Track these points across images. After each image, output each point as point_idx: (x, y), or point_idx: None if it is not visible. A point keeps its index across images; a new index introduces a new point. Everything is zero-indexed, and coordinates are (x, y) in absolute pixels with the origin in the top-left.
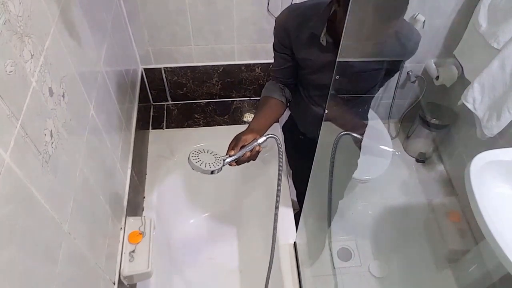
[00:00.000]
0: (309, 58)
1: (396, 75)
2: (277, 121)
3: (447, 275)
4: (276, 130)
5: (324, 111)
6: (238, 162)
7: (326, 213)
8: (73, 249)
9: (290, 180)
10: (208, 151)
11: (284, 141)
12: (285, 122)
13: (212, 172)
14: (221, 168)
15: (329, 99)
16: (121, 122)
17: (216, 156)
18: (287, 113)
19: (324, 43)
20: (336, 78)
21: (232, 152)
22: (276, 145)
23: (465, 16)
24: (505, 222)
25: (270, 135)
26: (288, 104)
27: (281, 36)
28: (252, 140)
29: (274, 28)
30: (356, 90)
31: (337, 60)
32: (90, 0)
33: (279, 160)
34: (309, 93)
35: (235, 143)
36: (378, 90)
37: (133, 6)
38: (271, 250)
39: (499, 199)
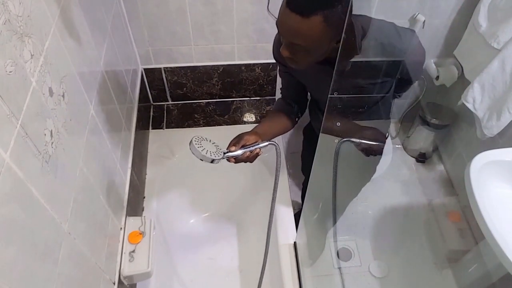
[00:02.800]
0: (304, 77)
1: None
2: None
3: (447, 275)
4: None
5: (336, 123)
6: (236, 160)
7: (327, 213)
8: (73, 249)
9: (290, 180)
10: (210, 140)
11: (303, 143)
12: (306, 125)
13: (212, 161)
14: (221, 159)
15: (340, 117)
16: (121, 122)
17: (217, 147)
18: (308, 117)
19: None
20: (335, 94)
21: (233, 148)
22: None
23: (465, 16)
24: (505, 222)
25: (272, 142)
26: (297, 120)
27: (277, 55)
28: (254, 142)
29: (272, 50)
30: (362, 104)
31: (335, 71)
32: (90, 0)
33: (276, 169)
34: (319, 107)
35: (237, 140)
36: (399, 96)
37: (133, 6)
38: (265, 251)
39: (499, 199)
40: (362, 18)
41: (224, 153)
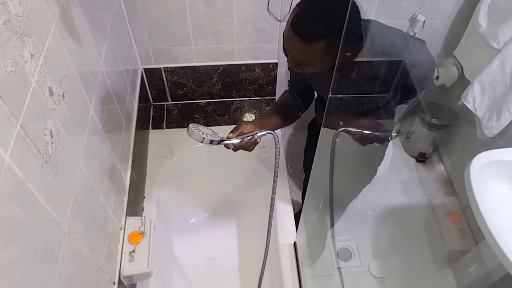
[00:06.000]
0: (311, 76)
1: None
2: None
3: (447, 275)
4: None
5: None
6: (235, 147)
7: (327, 213)
8: (73, 249)
9: (291, 180)
10: (207, 127)
11: (307, 139)
12: (311, 121)
13: (211, 142)
14: (218, 142)
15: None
16: (121, 122)
17: (215, 133)
18: (314, 112)
19: None
20: (339, 97)
21: (230, 135)
22: (274, 143)
23: (465, 16)
24: (505, 222)
25: (270, 131)
26: (300, 115)
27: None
28: (252, 131)
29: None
30: (366, 106)
31: (335, 75)
32: (90, 0)
33: (275, 159)
34: (325, 105)
35: (236, 128)
36: (406, 102)
37: (133, 6)
38: (265, 250)
39: (499, 199)
40: (369, 25)
41: (221, 138)
